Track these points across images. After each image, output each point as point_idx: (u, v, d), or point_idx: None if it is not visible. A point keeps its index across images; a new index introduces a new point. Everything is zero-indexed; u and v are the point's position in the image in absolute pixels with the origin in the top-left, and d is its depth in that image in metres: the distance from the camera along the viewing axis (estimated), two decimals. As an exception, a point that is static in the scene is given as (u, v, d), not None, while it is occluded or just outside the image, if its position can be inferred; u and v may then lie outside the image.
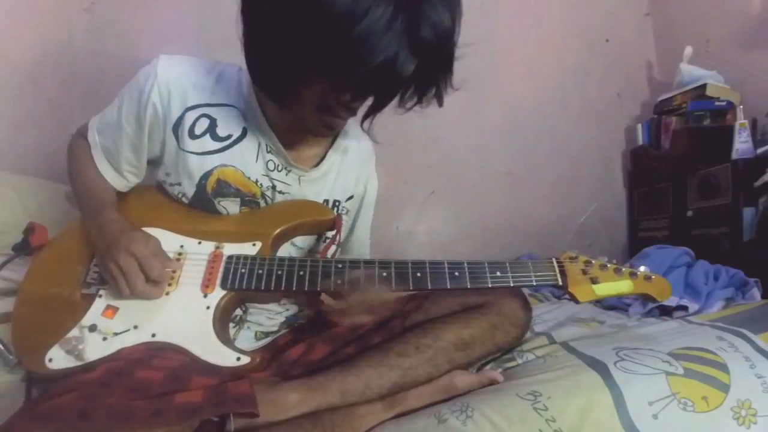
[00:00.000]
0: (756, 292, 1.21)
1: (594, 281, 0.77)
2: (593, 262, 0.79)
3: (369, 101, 0.70)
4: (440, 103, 0.70)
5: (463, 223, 2.07)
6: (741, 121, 1.63)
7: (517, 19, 2.12)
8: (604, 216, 2.16)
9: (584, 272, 0.78)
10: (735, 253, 1.50)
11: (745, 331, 0.86)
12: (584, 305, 1.34)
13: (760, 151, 1.58)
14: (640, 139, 2.07)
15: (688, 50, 1.88)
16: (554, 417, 0.67)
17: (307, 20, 0.60)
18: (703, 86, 1.79)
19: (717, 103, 1.78)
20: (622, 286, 0.77)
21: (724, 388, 0.72)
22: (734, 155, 1.60)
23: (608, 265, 0.78)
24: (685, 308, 1.17)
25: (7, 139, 1.57)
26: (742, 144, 1.61)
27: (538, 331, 1.02)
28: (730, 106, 1.76)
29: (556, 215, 2.12)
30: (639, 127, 2.09)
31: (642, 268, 0.79)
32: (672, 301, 1.18)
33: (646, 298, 0.80)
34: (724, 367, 0.75)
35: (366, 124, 0.74)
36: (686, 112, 1.83)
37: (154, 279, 0.72)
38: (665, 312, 1.20)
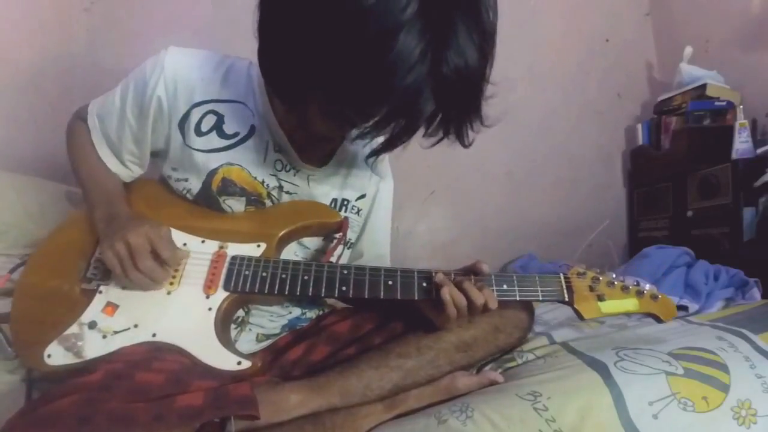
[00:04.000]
0: (756, 292, 1.21)
1: (600, 298, 0.77)
2: (600, 279, 0.79)
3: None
4: (463, 144, 0.66)
5: (463, 223, 2.07)
6: (741, 121, 1.63)
7: (516, 19, 2.12)
8: (604, 216, 2.15)
9: (591, 289, 0.78)
10: (735, 253, 1.50)
11: (745, 331, 0.86)
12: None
13: (760, 151, 1.58)
14: (640, 139, 2.07)
15: (688, 50, 1.87)
16: (554, 417, 0.67)
17: (331, 37, 0.56)
18: (703, 86, 1.79)
19: (717, 103, 1.78)
20: (628, 304, 0.77)
21: (724, 388, 0.72)
22: (734, 155, 1.60)
23: (616, 283, 0.78)
24: (685, 308, 1.17)
25: (7, 139, 1.57)
26: (742, 144, 1.61)
27: (538, 331, 1.02)
28: (730, 106, 1.76)
29: (556, 215, 2.12)
30: (639, 127, 2.09)
31: (648, 286, 0.79)
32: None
33: (651, 317, 0.80)
34: (724, 367, 0.75)
35: (370, 161, 0.70)
36: (686, 112, 1.83)
37: (164, 260, 0.71)
38: (665, 312, 1.20)
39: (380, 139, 0.65)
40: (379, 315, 0.86)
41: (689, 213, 1.75)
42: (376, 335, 0.82)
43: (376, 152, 0.69)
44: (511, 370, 0.83)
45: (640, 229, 2.07)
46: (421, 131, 0.63)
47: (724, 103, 1.77)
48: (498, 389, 0.75)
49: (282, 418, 0.67)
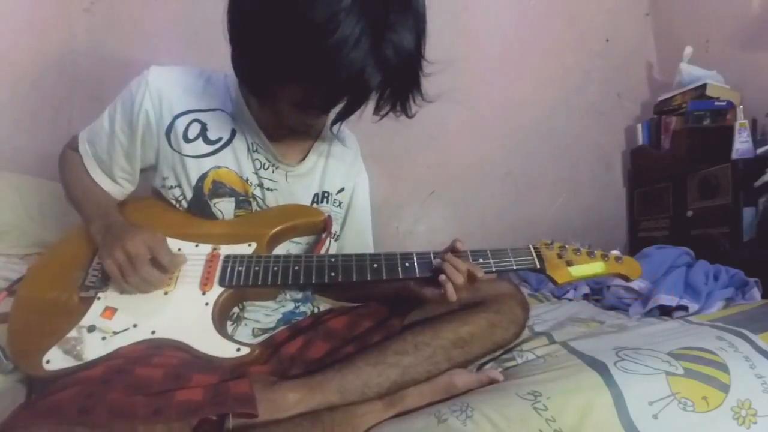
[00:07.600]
0: (756, 292, 1.21)
1: (569, 264, 0.81)
2: (567, 247, 0.83)
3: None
4: (407, 115, 0.76)
5: (463, 223, 2.07)
6: (741, 121, 1.63)
7: (517, 19, 2.12)
8: (604, 216, 2.16)
9: (560, 256, 0.81)
10: (735, 253, 1.50)
11: (745, 331, 0.86)
12: (584, 305, 1.36)
13: (760, 151, 1.58)
14: (640, 139, 2.08)
15: (688, 50, 1.88)
16: (554, 417, 0.67)
17: (285, 28, 0.66)
18: (703, 86, 1.80)
19: (717, 103, 1.78)
20: (596, 267, 0.81)
21: (724, 388, 0.72)
22: (734, 155, 1.61)
23: (581, 249, 0.82)
24: (685, 308, 1.17)
25: (7, 139, 1.58)
26: (742, 144, 1.61)
27: (538, 331, 1.02)
28: (730, 106, 1.76)
29: (556, 215, 2.12)
30: (639, 127, 2.09)
31: (613, 251, 0.83)
32: (672, 301, 1.18)
33: (619, 278, 0.84)
34: (724, 367, 0.75)
35: (335, 127, 0.78)
36: (686, 112, 1.83)
37: (164, 265, 0.74)
38: (665, 312, 1.20)
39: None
40: (376, 313, 0.87)
41: (689, 213, 1.75)
42: (374, 333, 0.82)
43: (336, 120, 0.75)
44: (510, 370, 0.83)
45: (640, 229, 2.07)
46: (372, 107, 0.73)
47: (724, 103, 1.77)
48: (498, 389, 0.75)
49: (280, 416, 0.67)
